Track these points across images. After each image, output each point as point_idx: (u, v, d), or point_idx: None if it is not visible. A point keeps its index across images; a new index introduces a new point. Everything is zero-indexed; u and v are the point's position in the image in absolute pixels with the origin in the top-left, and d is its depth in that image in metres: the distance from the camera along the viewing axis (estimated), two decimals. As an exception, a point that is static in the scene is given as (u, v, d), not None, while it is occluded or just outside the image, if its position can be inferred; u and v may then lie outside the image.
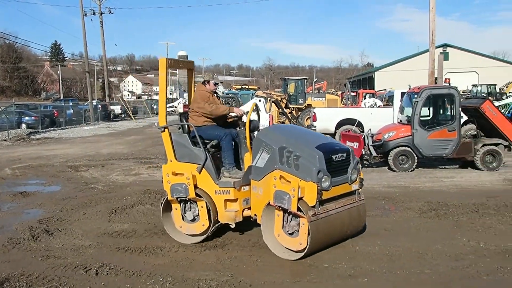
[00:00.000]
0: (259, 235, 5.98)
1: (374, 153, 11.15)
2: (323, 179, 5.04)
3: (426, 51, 21.73)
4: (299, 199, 4.97)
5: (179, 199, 5.82)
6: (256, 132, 6.10)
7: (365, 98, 27.85)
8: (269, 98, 20.29)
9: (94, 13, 38.92)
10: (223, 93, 35.65)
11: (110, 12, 39.97)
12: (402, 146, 10.92)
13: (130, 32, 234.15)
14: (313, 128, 15.57)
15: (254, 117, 6.25)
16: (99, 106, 38.32)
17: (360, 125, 15.15)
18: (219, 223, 5.76)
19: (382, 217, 7.01)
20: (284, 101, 23.38)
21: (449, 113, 11.26)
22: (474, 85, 39.47)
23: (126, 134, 24.57)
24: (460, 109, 10.95)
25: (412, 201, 7.87)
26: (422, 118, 11.02)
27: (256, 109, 6.40)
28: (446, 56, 48.63)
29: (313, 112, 16.82)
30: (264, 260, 5.23)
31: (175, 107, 52.54)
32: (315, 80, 45.53)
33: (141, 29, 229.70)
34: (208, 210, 5.69)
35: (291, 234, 5.24)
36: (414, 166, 10.94)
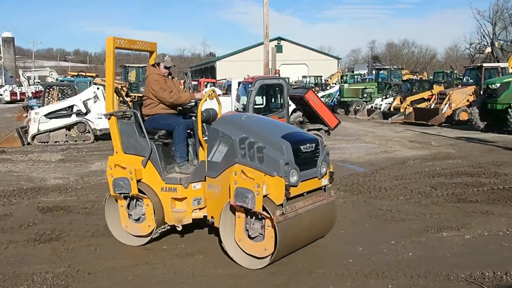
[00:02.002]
0: (97, 224, 5.98)
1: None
2: (291, 173, 4.46)
3: (263, 43, 23.20)
4: (264, 196, 4.37)
5: (123, 195, 5.25)
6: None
7: (206, 87, 28.61)
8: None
9: None
10: (56, 79, 33.13)
11: None
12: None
13: None
14: None
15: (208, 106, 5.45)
16: None
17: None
18: (166, 225, 5.24)
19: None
20: (125, 89, 22.77)
21: (279, 101, 12.36)
22: (304, 76, 43.31)
23: None
24: (288, 98, 12.10)
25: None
26: (256, 106, 11.89)
27: (216, 96, 5.52)
28: (279, 49, 52.43)
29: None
30: (102, 248, 5.27)
31: (0, 95, 47.06)
32: (157, 68, 44.88)
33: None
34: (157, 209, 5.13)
35: (253, 238, 4.61)
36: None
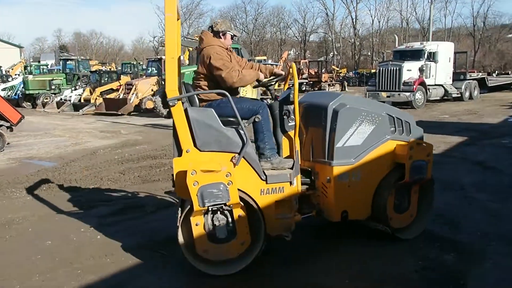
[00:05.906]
0: None
1: None
2: None
3: None
4: None
5: (210, 209, 3.91)
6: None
7: None
8: None
9: None
10: None
11: None
12: None
13: None
14: None
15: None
16: None
17: None
18: (265, 239, 4.13)
19: None
20: None
21: None
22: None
23: None
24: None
25: None
26: None
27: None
28: None
29: None
30: None
31: None
32: None
33: None
34: (250, 221, 4.02)
35: (400, 211, 4.75)
36: None
